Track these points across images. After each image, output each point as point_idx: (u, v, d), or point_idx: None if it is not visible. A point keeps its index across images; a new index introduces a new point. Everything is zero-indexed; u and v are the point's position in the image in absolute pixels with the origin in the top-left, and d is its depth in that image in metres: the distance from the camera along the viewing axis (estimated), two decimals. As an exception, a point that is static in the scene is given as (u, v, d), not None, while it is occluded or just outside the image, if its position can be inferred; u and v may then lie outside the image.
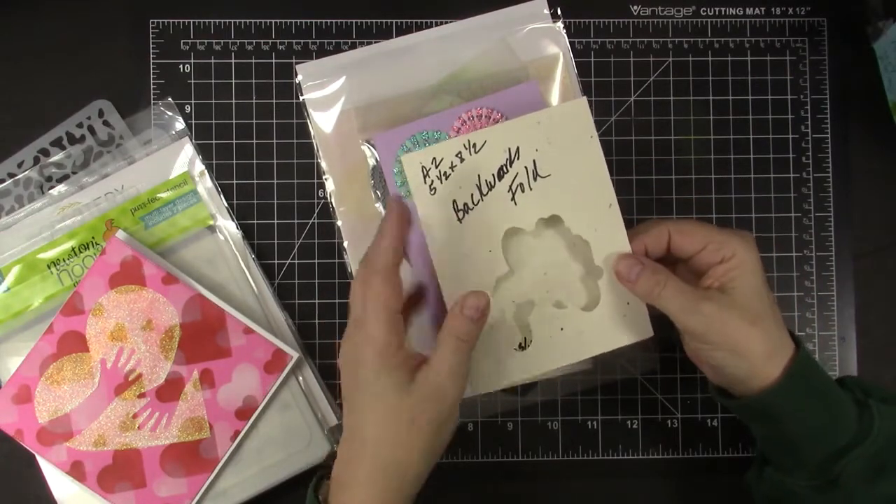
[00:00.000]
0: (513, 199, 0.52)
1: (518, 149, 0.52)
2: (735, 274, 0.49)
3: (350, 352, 0.47)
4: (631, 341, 0.53)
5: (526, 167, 0.52)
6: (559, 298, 0.53)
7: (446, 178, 0.52)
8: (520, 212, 0.52)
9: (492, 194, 0.52)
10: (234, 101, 0.61)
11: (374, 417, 0.46)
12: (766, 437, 0.52)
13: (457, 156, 0.52)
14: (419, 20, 0.62)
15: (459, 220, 0.52)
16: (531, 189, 0.52)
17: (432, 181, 0.52)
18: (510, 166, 0.52)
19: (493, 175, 0.52)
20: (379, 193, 0.59)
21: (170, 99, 0.61)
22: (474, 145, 0.52)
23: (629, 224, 0.51)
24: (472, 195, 0.52)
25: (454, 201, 0.52)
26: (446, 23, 0.61)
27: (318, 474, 0.50)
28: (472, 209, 0.52)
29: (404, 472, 0.46)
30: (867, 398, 0.49)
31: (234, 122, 0.61)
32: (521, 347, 0.53)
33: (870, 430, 0.48)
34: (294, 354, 0.58)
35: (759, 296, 0.49)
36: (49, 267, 0.58)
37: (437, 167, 0.52)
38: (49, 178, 0.60)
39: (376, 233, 0.48)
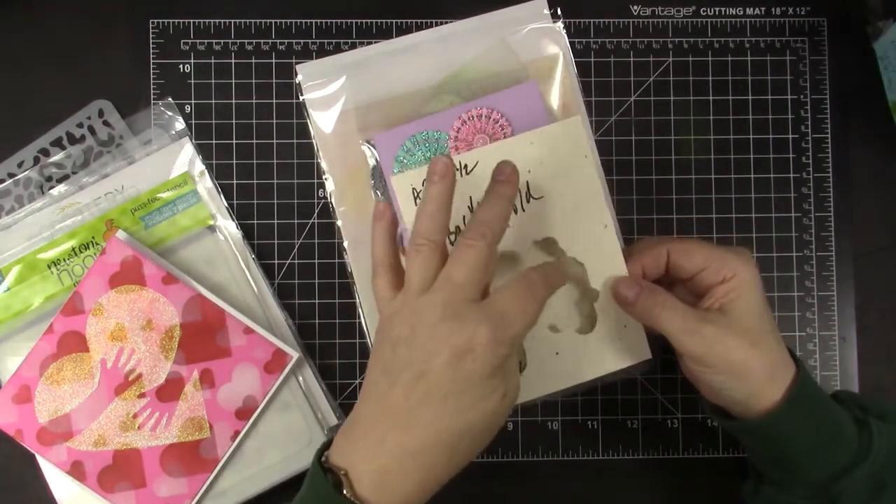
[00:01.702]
0: None
1: None
2: (736, 294, 0.48)
3: (461, 332, 0.42)
4: (628, 364, 0.52)
5: (519, 189, 0.51)
6: (554, 322, 0.53)
7: None
8: (513, 234, 0.51)
9: None
10: (234, 101, 0.61)
11: (474, 415, 0.43)
12: (764, 456, 0.51)
13: None
14: (419, 20, 0.62)
15: (451, 243, 0.51)
16: (524, 211, 0.51)
17: None
18: None
19: None
20: (379, 193, 0.59)
21: (170, 99, 0.61)
22: (465, 166, 0.51)
23: (629, 224, 0.51)
24: (463, 217, 0.51)
25: None
26: (446, 23, 0.61)
27: (321, 445, 0.47)
28: None
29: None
30: (865, 416, 0.49)
31: (234, 122, 0.61)
32: None
33: (869, 449, 0.47)
34: (294, 354, 0.58)
35: (760, 316, 0.48)
36: (49, 267, 0.58)
37: None
38: (49, 178, 0.60)
39: (490, 197, 0.46)
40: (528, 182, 0.51)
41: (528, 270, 0.46)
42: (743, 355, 0.47)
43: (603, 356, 0.52)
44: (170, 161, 0.60)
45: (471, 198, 0.51)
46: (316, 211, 0.61)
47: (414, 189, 0.51)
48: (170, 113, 0.61)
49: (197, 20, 0.62)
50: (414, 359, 0.43)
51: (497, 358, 0.42)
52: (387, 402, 0.44)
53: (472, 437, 0.44)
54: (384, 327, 0.46)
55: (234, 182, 0.61)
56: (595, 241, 0.51)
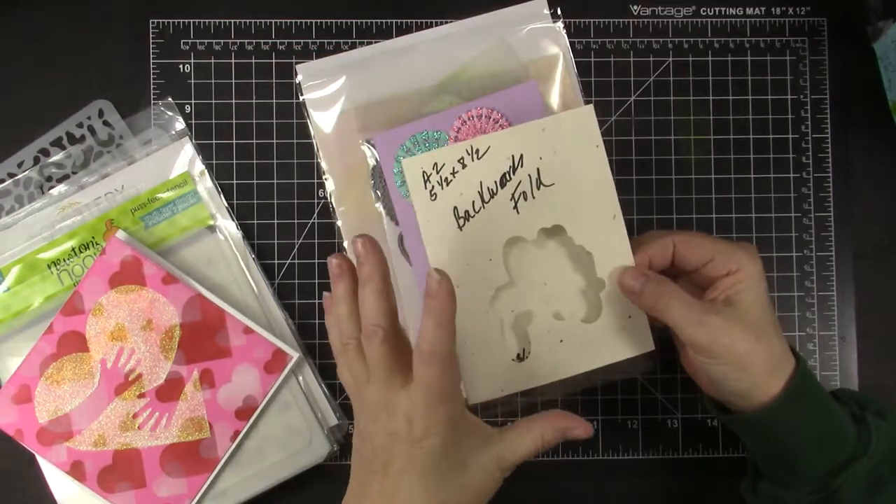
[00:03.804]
0: (515, 207, 0.52)
1: (522, 156, 0.52)
2: (741, 287, 0.48)
3: (394, 417, 0.44)
4: (631, 354, 0.52)
5: (529, 175, 0.52)
6: (559, 310, 0.53)
7: (447, 185, 0.52)
8: (522, 221, 0.52)
9: (494, 202, 0.52)
10: (234, 101, 0.61)
11: None
12: (763, 451, 0.51)
13: (459, 161, 0.52)
14: (419, 20, 0.62)
15: (460, 227, 0.51)
16: (534, 198, 0.52)
17: (433, 187, 0.52)
18: (513, 174, 0.52)
19: (496, 182, 0.52)
20: (379, 193, 0.59)
21: (170, 99, 0.61)
22: (477, 151, 0.52)
23: (629, 224, 0.51)
24: (473, 202, 0.52)
25: (455, 208, 0.51)
26: (446, 23, 0.61)
27: None
28: (473, 217, 0.52)
29: None
30: (863, 412, 0.49)
31: (234, 122, 0.61)
32: (519, 358, 0.52)
33: (868, 445, 0.48)
34: (294, 354, 0.58)
35: (764, 309, 0.49)
36: (49, 267, 0.58)
37: (438, 172, 0.52)
38: (49, 178, 0.60)
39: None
40: (538, 169, 0.52)
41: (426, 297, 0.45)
42: (748, 347, 0.47)
43: (607, 346, 0.52)
44: (170, 161, 0.60)
45: (481, 182, 0.52)
46: (316, 211, 0.61)
47: (425, 173, 0.52)
48: (170, 113, 0.61)
49: (197, 20, 0.62)
50: (377, 448, 0.45)
51: (437, 425, 0.43)
52: (366, 491, 0.45)
53: None
54: (355, 417, 0.48)
55: (234, 182, 0.61)
56: (603, 231, 0.51)
